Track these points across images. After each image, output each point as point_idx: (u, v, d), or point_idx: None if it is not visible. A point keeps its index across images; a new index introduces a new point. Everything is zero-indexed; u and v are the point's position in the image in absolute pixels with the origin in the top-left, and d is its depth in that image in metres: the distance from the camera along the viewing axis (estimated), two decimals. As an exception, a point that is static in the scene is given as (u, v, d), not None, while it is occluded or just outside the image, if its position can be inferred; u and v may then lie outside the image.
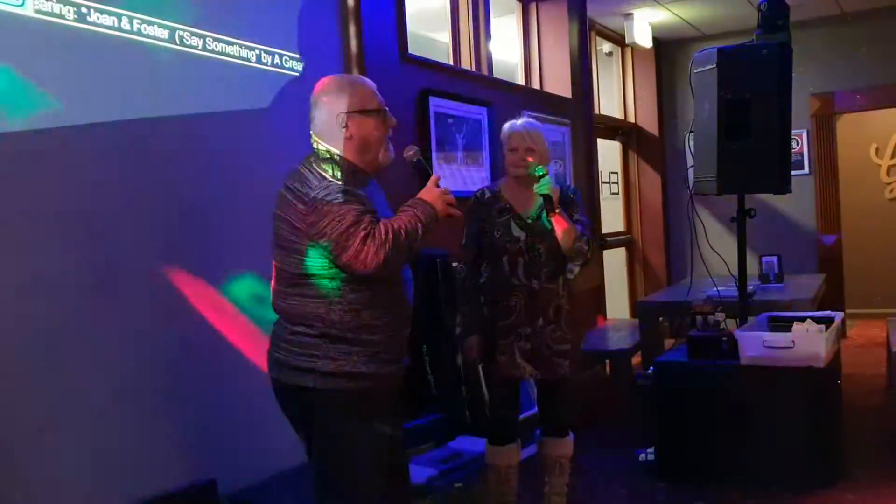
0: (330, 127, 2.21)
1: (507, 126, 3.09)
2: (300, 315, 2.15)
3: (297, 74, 3.28)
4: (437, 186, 2.24)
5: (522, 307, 2.97)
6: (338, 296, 2.13)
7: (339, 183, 2.11)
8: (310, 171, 2.16)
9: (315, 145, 2.25)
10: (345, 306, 2.13)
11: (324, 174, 2.14)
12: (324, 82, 2.29)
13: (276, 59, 3.21)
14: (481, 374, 3.15)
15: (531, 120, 3.13)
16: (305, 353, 2.14)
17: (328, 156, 2.20)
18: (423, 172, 2.35)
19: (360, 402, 2.15)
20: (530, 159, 2.94)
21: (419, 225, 2.13)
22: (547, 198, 2.85)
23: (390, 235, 2.05)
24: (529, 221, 3.01)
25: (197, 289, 2.77)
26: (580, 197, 3.11)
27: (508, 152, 3.03)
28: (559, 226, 2.88)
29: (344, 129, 2.20)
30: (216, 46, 2.92)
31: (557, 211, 2.86)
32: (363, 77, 2.40)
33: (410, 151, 2.37)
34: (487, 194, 3.09)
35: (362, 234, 2.03)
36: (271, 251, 2.24)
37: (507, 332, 2.98)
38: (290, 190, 2.15)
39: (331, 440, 2.18)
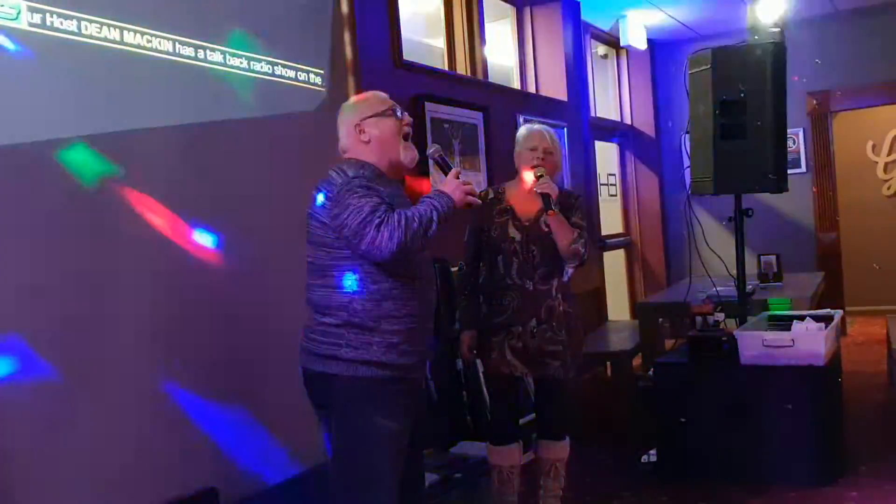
0: (350, 139, 2.42)
1: (525, 127, 3.19)
2: (326, 306, 2.31)
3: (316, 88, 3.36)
4: (458, 178, 2.37)
5: (515, 307, 3.01)
6: (360, 287, 2.28)
7: (361, 178, 2.28)
8: (336, 172, 2.33)
9: (344, 156, 2.44)
10: (366, 297, 2.28)
11: (347, 172, 2.30)
12: (342, 106, 2.51)
13: (296, 73, 3.26)
14: (480, 373, 3.17)
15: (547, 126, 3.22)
16: (330, 342, 2.29)
17: (354, 160, 2.39)
18: (444, 167, 2.53)
19: (379, 390, 2.28)
20: (543, 162, 3.00)
21: (434, 212, 2.27)
22: (545, 196, 2.87)
23: (403, 222, 2.20)
24: (527, 224, 3.04)
25: (205, 294, 2.77)
26: (582, 203, 3.15)
27: (527, 151, 3.06)
28: (555, 225, 2.92)
29: (362, 135, 2.40)
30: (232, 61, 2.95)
31: (554, 210, 2.88)
32: (374, 91, 2.58)
33: (432, 149, 2.54)
34: (491, 194, 3.15)
35: (377, 221, 2.18)
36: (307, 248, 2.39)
37: (500, 330, 3.02)
38: (319, 189, 2.32)
39: (350, 426, 2.29)
